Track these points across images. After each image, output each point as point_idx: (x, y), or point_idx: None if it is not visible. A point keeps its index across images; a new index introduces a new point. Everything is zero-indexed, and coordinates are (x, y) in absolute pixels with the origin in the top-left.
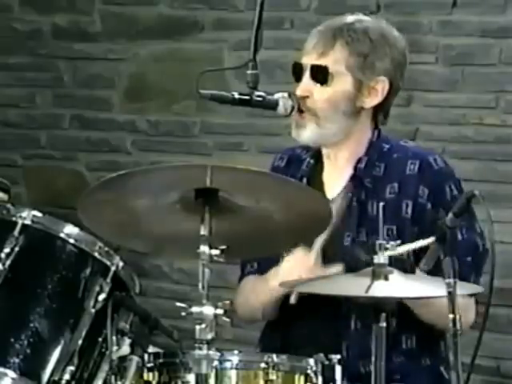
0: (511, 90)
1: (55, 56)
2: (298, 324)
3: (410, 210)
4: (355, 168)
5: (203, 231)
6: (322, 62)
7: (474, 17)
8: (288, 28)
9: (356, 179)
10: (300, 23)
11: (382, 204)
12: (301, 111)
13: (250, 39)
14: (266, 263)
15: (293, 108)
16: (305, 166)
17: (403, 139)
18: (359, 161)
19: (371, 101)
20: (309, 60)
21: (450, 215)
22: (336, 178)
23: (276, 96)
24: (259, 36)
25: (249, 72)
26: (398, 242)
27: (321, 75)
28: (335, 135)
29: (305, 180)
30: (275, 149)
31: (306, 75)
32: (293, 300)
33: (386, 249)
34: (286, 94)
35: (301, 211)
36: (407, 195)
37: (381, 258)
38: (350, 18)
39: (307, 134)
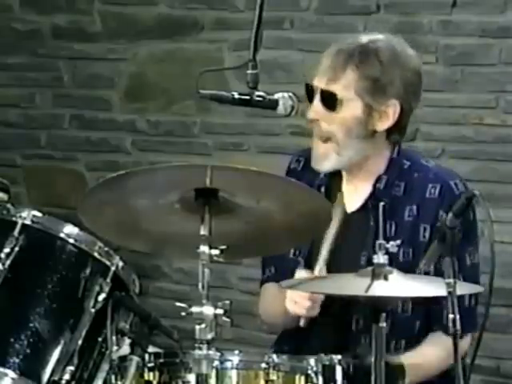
0: (511, 90)
1: (55, 56)
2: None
3: (427, 235)
4: (374, 187)
5: (203, 231)
6: (331, 87)
7: (473, 17)
8: (288, 28)
9: (374, 199)
10: (300, 23)
11: (382, 204)
12: (321, 139)
13: (250, 39)
14: (282, 268)
15: (292, 108)
16: (323, 174)
17: (424, 157)
18: (378, 179)
19: (383, 124)
20: (320, 83)
21: (450, 215)
22: (355, 192)
23: (276, 96)
24: (259, 36)
25: (249, 72)
26: (398, 241)
27: (330, 101)
28: (353, 159)
29: (323, 189)
30: (275, 149)
31: (317, 98)
32: (302, 324)
33: (386, 249)
34: (286, 94)
35: (301, 211)
36: (425, 219)
37: (381, 257)
38: (363, 39)
39: (329, 164)
